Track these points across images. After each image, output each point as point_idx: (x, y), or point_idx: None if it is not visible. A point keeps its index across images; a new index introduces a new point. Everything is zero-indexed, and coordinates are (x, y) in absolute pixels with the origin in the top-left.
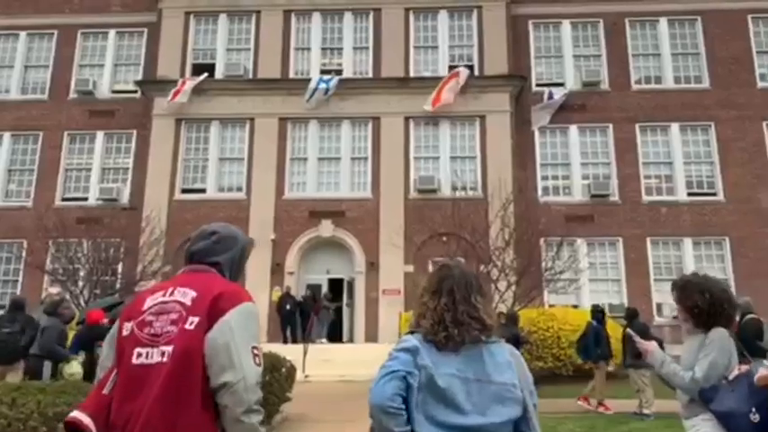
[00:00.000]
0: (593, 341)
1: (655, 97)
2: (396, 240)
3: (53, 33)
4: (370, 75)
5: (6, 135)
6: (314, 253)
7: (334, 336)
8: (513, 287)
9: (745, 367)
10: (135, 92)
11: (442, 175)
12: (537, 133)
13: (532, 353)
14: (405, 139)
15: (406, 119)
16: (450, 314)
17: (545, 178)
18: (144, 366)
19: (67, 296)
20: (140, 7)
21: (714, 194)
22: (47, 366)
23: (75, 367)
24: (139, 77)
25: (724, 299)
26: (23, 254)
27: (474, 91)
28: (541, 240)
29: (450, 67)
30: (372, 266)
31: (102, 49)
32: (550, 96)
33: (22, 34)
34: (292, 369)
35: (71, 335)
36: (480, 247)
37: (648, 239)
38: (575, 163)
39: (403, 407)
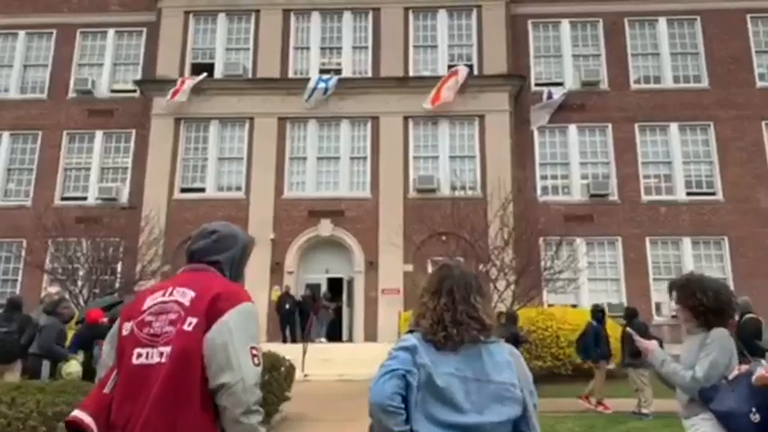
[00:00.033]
0: (592, 341)
1: (654, 97)
2: (395, 240)
3: (52, 33)
4: (370, 74)
5: (5, 134)
6: (313, 252)
7: (334, 335)
8: (513, 286)
9: (745, 367)
10: (134, 91)
11: (442, 174)
12: (536, 133)
13: (531, 352)
14: (404, 139)
15: (406, 118)
16: (450, 314)
17: (544, 178)
18: (144, 367)
19: (67, 295)
20: (139, 6)
21: (713, 194)
22: (45, 366)
23: (73, 366)
24: (138, 77)
25: (726, 297)
26: (23, 253)
27: (473, 90)
28: (540, 240)
29: (449, 67)
30: (371, 266)
31: (102, 49)
32: (549, 96)
33: (21, 33)
34: (291, 368)
35: (70, 334)
36: (479, 246)
37: (647, 239)
38: (574, 162)
39: (402, 405)
